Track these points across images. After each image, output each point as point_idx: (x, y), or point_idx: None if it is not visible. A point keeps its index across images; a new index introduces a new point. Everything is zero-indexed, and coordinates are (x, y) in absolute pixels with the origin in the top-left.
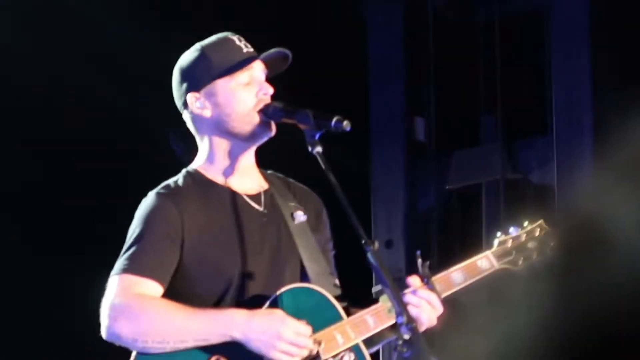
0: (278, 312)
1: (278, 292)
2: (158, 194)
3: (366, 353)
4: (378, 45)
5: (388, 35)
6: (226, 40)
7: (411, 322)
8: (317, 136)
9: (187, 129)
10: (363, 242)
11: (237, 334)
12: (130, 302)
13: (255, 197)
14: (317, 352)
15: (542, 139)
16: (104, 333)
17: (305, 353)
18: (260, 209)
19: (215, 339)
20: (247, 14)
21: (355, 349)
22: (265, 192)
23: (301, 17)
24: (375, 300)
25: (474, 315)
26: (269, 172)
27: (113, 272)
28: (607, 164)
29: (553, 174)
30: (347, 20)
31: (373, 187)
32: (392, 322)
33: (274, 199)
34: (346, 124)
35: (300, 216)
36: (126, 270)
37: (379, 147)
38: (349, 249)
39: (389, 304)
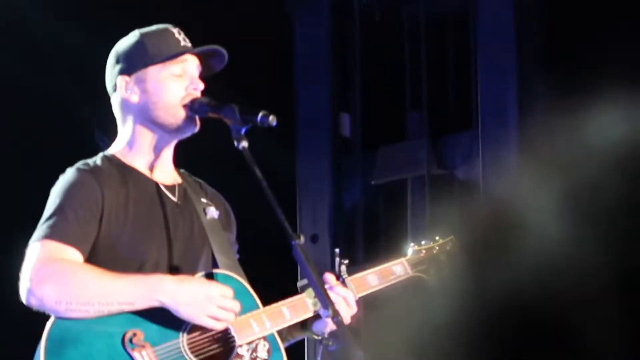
0: (203, 279)
1: (197, 275)
2: (78, 169)
3: (280, 343)
4: (305, 42)
5: (314, 32)
6: (165, 30)
7: (337, 315)
8: (242, 131)
9: (112, 123)
10: (289, 236)
11: (165, 298)
12: (55, 266)
13: (170, 188)
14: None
15: (467, 134)
16: (24, 297)
17: (232, 318)
18: (175, 199)
19: (141, 302)
20: (173, 9)
21: (270, 338)
22: (179, 185)
23: (228, 12)
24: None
25: (388, 306)
26: (182, 170)
27: (33, 239)
28: (532, 158)
29: (478, 169)
30: (273, 16)
31: (299, 181)
32: (308, 315)
33: (187, 193)
34: (272, 119)
35: (212, 212)
36: (48, 236)
37: (305, 143)
38: (271, 244)
39: (313, 298)
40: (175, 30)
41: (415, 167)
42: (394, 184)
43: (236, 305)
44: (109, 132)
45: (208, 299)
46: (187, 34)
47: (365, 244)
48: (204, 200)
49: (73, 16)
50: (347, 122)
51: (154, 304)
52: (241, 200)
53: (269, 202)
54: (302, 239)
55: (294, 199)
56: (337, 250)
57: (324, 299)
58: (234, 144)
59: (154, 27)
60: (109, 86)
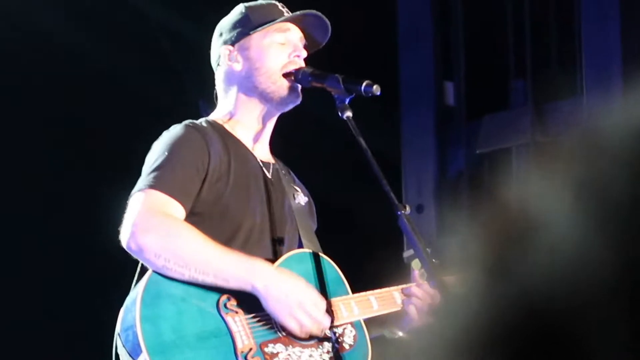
0: (303, 280)
1: (290, 253)
2: (187, 125)
3: (367, 332)
4: (407, 10)
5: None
6: (269, 4)
7: (444, 288)
8: (347, 101)
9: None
10: (394, 206)
11: (260, 286)
12: (162, 219)
13: (266, 165)
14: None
15: (571, 101)
16: (124, 241)
17: (316, 329)
18: (269, 176)
19: (234, 283)
20: None
21: (356, 325)
22: (273, 164)
23: None
24: (383, 282)
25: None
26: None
27: (137, 188)
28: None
29: None
30: None
31: (403, 152)
32: (395, 309)
33: (279, 174)
34: (376, 88)
35: (301, 198)
36: (154, 186)
37: (409, 113)
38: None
39: (420, 269)
40: (279, 4)
41: (519, 135)
42: (498, 153)
43: (326, 320)
44: (214, 103)
45: (299, 303)
46: (290, 9)
47: (470, 213)
48: (293, 185)
49: None
50: (450, 91)
51: (247, 287)
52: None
53: (374, 173)
54: (408, 209)
55: (399, 169)
56: (406, 254)
57: (431, 270)
58: (337, 114)
59: (258, 1)
60: (213, 61)
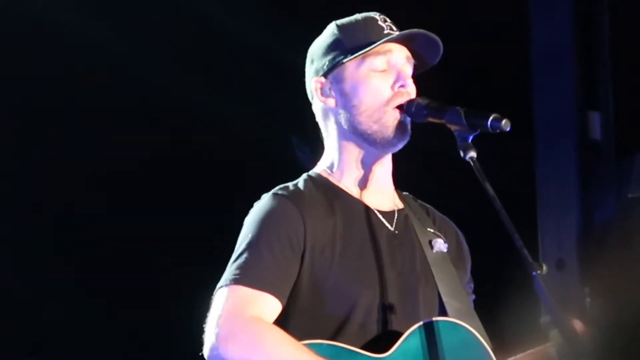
0: None
1: (416, 325)
2: (276, 194)
3: None
4: (542, 26)
5: (555, 14)
6: (367, 19)
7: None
8: (470, 139)
9: (315, 132)
10: (528, 265)
11: None
12: (247, 327)
13: (388, 215)
14: None
15: None
16: (207, 351)
17: None
18: (392, 228)
19: None
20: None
21: None
22: (400, 211)
23: None
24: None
25: None
26: (404, 193)
27: (221, 282)
28: None
29: None
30: None
31: (540, 197)
32: None
33: (408, 221)
34: (505, 123)
35: (440, 244)
36: (238, 280)
37: (546, 150)
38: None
39: (558, 342)
40: (380, 18)
41: None
42: None
43: None
44: (312, 139)
45: None
46: (397, 22)
47: (621, 270)
48: (430, 230)
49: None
50: (597, 123)
51: None
52: (473, 223)
53: (503, 225)
54: (545, 268)
55: (534, 217)
56: (586, 288)
57: (572, 340)
58: (460, 155)
59: (354, 17)
60: (308, 93)
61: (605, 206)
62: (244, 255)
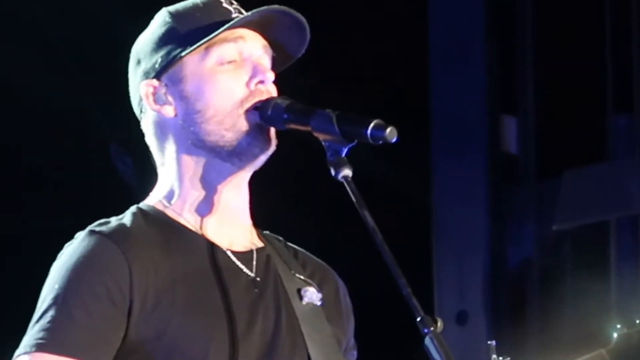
0: None
1: None
2: (93, 232)
3: None
4: (444, 9)
5: None
6: (207, 2)
7: None
8: (344, 152)
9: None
10: (419, 320)
11: None
12: None
13: (244, 256)
14: None
15: None
16: None
17: None
18: (251, 274)
19: None
20: None
21: None
22: (259, 251)
23: None
24: None
25: None
26: (265, 232)
27: (20, 350)
28: None
29: None
30: None
31: (436, 226)
32: None
33: (271, 264)
34: (390, 132)
35: (311, 295)
36: (43, 346)
37: (446, 166)
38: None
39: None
40: (225, 0)
41: (624, 201)
42: (588, 230)
43: None
44: (133, 149)
45: None
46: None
47: (540, 325)
48: (299, 276)
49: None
50: (512, 131)
51: None
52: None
53: (386, 264)
54: (441, 324)
55: (429, 254)
56: (491, 342)
57: None
58: (329, 173)
59: (190, 0)
60: (134, 106)
61: (521, 242)
62: (50, 314)
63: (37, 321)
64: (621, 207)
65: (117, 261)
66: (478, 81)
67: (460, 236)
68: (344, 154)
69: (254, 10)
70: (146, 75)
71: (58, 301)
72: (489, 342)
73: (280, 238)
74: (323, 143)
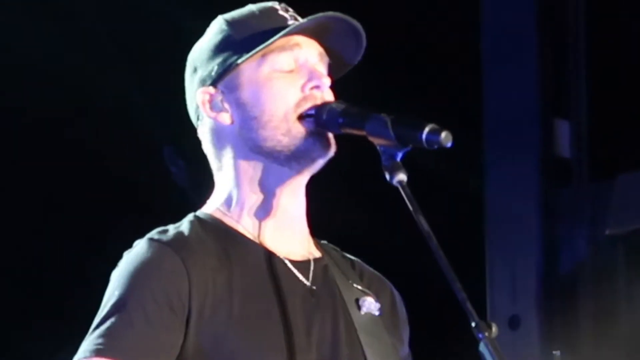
0: None
1: None
2: (152, 240)
3: None
4: (497, 11)
5: None
6: (263, 9)
7: None
8: (399, 156)
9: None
10: (474, 325)
11: None
12: None
13: (302, 265)
14: None
15: None
16: None
17: None
18: (308, 283)
19: None
20: None
21: None
22: (317, 261)
23: None
24: None
25: None
26: (323, 242)
27: (79, 354)
28: None
29: None
30: None
31: (489, 233)
32: None
33: (328, 274)
34: (445, 137)
35: (370, 305)
36: (102, 352)
37: (498, 170)
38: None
39: None
40: (281, 7)
41: None
42: None
43: None
44: (189, 153)
45: None
46: (304, 12)
47: (594, 328)
48: (357, 286)
49: None
50: (565, 135)
51: None
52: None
53: (441, 270)
54: (495, 329)
55: (482, 260)
56: (556, 352)
57: None
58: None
59: (246, 8)
60: (191, 114)
61: (574, 246)
62: (110, 320)
63: (97, 327)
64: None
65: (177, 269)
66: (530, 84)
67: (512, 239)
68: (399, 159)
69: (310, 17)
70: (203, 82)
71: (118, 307)
72: (554, 352)
73: (337, 248)
74: (378, 147)
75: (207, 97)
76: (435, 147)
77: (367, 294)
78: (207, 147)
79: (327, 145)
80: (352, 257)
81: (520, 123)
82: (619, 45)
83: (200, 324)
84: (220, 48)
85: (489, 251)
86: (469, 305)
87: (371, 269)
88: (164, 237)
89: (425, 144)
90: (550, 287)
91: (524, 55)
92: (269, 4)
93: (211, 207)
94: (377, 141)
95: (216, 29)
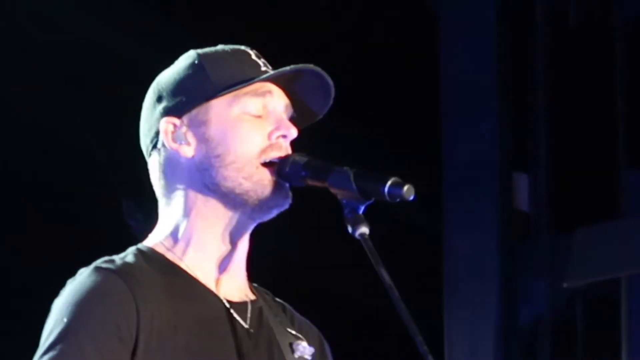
0: None
1: None
2: (99, 269)
3: None
4: (456, 62)
5: (473, 46)
6: (236, 51)
7: None
8: (361, 209)
9: (149, 193)
10: None
11: None
12: None
13: (240, 307)
14: None
15: None
16: None
17: None
18: (245, 325)
19: None
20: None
21: None
22: (253, 303)
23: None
24: None
25: None
26: (254, 284)
27: None
28: None
29: None
30: (411, 21)
31: (447, 284)
32: None
33: (263, 317)
34: (408, 190)
35: (304, 350)
36: None
37: (458, 223)
38: None
39: None
40: (253, 52)
41: (636, 259)
42: (600, 288)
43: None
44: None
45: None
46: (272, 61)
47: None
48: (290, 330)
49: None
50: (524, 188)
51: None
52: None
53: (402, 320)
54: None
55: (440, 311)
56: None
57: None
58: (347, 230)
59: (218, 47)
60: (145, 141)
61: (533, 300)
62: (59, 347)
63: (45, 353)
64: (633, 264)
65: (126, 298)
66: (490, 137)
67: (471, 292)
68: (361, 212)
69: (291, 67)
70: (167, 112)
71: (68, 335)
72: None
73: (268, 292)
74: (340, 200)
75: (171, 127)
76: (398, 200)
77: (300, 339)
78: (158, 178)
79: (286, 196)
80: (282, 302)
81: (480, 176)
82: (579, 100)
83: (146, 356)
84: (191, 81)
85: (447, 304)
86: (428, 355)
87: (300, 315)
88: (112, 266)
89: (387, 198)
90: (509, 340)
91: (484, 108)
92: (242, 47)
93: (154, 240)
94: (340, 194)
95: (188, 62)
